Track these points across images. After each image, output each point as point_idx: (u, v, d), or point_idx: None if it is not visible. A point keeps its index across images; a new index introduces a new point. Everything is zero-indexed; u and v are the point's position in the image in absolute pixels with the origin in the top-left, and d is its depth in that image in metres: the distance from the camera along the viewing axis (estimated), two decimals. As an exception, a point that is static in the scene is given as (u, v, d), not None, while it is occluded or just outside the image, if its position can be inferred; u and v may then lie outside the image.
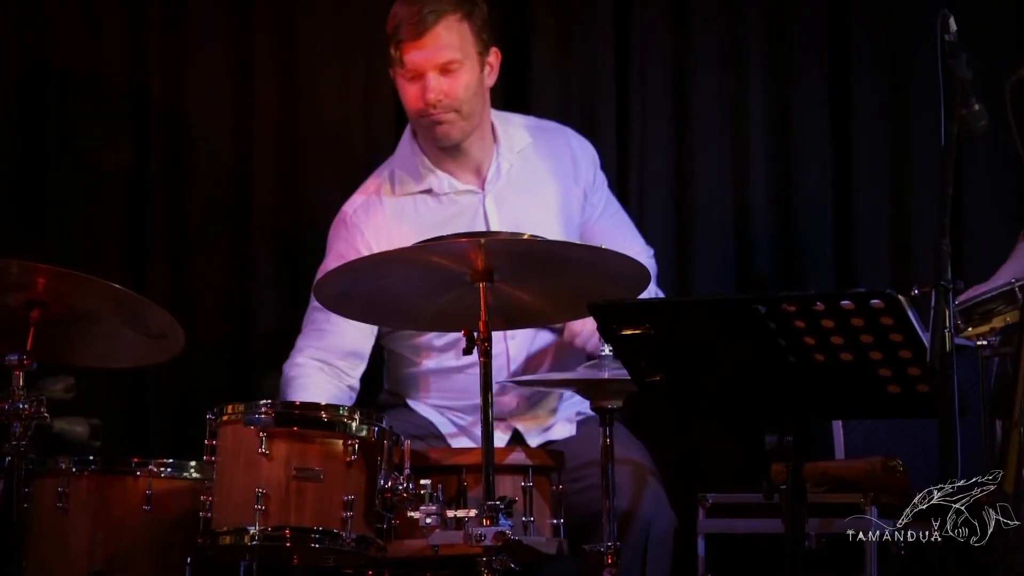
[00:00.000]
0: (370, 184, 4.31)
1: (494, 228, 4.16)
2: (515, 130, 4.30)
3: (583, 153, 4.35)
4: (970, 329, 3.63)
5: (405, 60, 4.09)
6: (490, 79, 4.19)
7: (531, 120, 4.40)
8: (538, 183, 4.27)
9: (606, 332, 3.27)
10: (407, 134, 4.30)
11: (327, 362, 4.18)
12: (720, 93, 4.98)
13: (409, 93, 4.12)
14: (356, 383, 4.23)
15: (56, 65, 4.98)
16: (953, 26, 3.16)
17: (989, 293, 3.61)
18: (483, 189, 4.23)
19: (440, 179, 4.22)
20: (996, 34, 4.84)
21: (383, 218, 4.23)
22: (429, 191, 4.23)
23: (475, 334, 3.44)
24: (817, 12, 4.97)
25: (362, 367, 4.23)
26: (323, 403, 3.75)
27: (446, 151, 4.20)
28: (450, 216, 4.20)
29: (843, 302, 2.98)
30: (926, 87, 4.55)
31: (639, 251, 4.28)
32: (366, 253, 4.08)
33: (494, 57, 4.19)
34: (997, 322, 3.61)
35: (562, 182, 4.28)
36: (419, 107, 4.11)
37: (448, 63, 4.08)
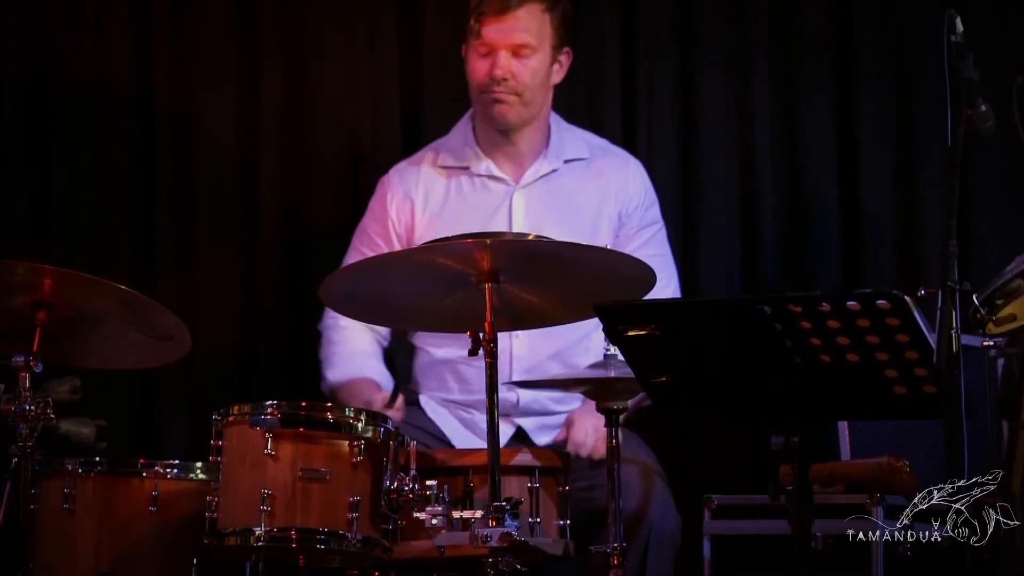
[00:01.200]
0: (418, 153, 4.42)
1: (516, 224, 4.21)
2: (573, 141, 4.34)
3: (635, 183, 4.35)
4: (992, 322, 3.55)
5: (483, 33, 4.16)
6: (557, 76, 4.26)
7: (600, 140, 4.44)
8: (575, 196, 4.28)
9: (612, 333, 3.27)
10: (465, 117, 4.36)
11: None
12: (726, 94, 4.97)
13: (477, 67, 4.19)
14: (388, 339, 4.34)
15: (62, 66, 4.98)
16: (959, 27, 3.15)
17: (1009, 273, 3.55)
18: (517, 183, 4.25)
19: (480, 161, 4.27)
20: (1003, 35, 4.83)
21: (415, 185, 4.31)
22: (466, 169, 4.28)
23: (481, 335, 3.44)
24: (823, 13, 4.97)
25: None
26: (328, 404, 3.77)
27: (495, 139, 4.25)
28: (476, 200, 4.26)
29: (849, 303, 2.97)
30: (933, 88, 4.55)
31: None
32: (394, 214, 4.27)
33: (566, 56, 4.26)
34: (1017, 308, 3.53)
35: (600, 202, 4.30)
36: (483, 81, 4.18)
37: (522, 46, 4.16)
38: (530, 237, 3.51)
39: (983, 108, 3.19)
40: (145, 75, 5.00)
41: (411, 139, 4.81)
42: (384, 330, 4.33)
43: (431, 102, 4.91)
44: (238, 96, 5.01)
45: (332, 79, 5.00)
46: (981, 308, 3.32)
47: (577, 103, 4.95)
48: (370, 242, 4.31)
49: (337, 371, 4.25)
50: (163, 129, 4.99)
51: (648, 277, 3.55)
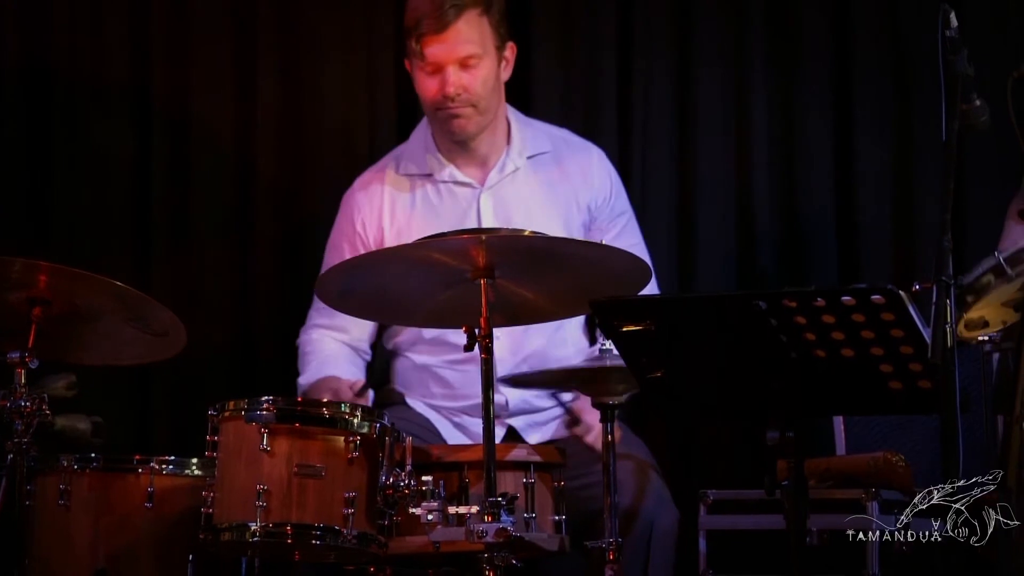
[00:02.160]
0: (379, 163, 4.38)
1: (484, 225, 4.18)
2: (534, 136, 4.32)
3: (601, 174, 4.34)
4: (963, 321, 3.57)
5: (426, 53, 4.11)
6: (505, 74, 4.23)
7: (560, 131, 4.41)
8: (542, 191, 4.27)
9: (607, 328, 3.27)
10: (423, 122, 4.33)
11: (340, 330, 4.25)
12: (723, 90, 4.97)
13: (427, 86, 4.15)
14: (368, 354, 4.33)
15: (60, 62, 4.99)
16: (954, 22, 3.16)
17: (977, 271, 3.56)
18: (482, 185, 4.24)
19: (443, 167, 4.25)
20: (998, 30, 4.83)
21: (380, 197, 4.29)
22: (429, 176, 4.26)
23: (476, 331, 3.44)
24: (820, 11, 4.97)
25: (372, 338, 4.33)
26: (325, 399, 3.77)
27: (457, 144, 4.22)
28: (443, 205, 4.24)
29: (844, 298, 2.98)
30: (928, 83, 4.55)
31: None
32: (361, 230, 4.25)
33: (510, 52, 4.22)
34: (993, 299, 3.53)
35: (568, 195, 4.29)
36: (437, 100, 4.14)
37: (468, 57, 4.11)
38: (526, 233, 3.51)
39: (978, 103, 3.19)
40: (142, 74, 5.00)
41: (407, 138, 4.80)
42: (365, 344, 4.32)
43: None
44: (235, 95, 5.01)
45: (329, 78, 5.00)
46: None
47: (573, 104, 4.95)
48: (341, 258, 4.27)
49: (306, 375, 4.24)
50: (160, 125, 5.00)
51: (643, 272, 3.55)
